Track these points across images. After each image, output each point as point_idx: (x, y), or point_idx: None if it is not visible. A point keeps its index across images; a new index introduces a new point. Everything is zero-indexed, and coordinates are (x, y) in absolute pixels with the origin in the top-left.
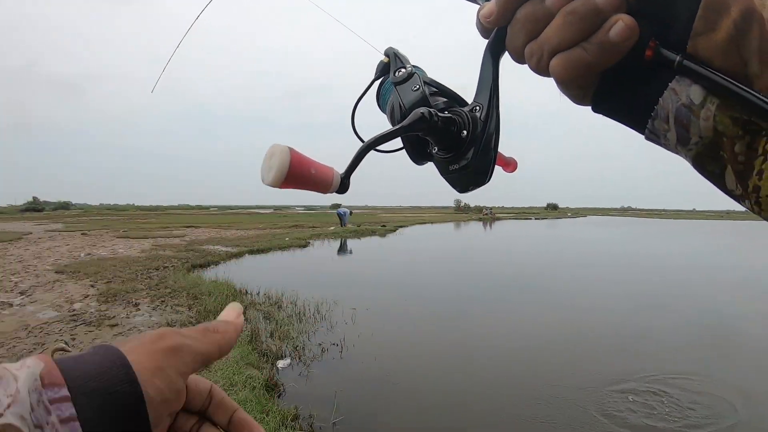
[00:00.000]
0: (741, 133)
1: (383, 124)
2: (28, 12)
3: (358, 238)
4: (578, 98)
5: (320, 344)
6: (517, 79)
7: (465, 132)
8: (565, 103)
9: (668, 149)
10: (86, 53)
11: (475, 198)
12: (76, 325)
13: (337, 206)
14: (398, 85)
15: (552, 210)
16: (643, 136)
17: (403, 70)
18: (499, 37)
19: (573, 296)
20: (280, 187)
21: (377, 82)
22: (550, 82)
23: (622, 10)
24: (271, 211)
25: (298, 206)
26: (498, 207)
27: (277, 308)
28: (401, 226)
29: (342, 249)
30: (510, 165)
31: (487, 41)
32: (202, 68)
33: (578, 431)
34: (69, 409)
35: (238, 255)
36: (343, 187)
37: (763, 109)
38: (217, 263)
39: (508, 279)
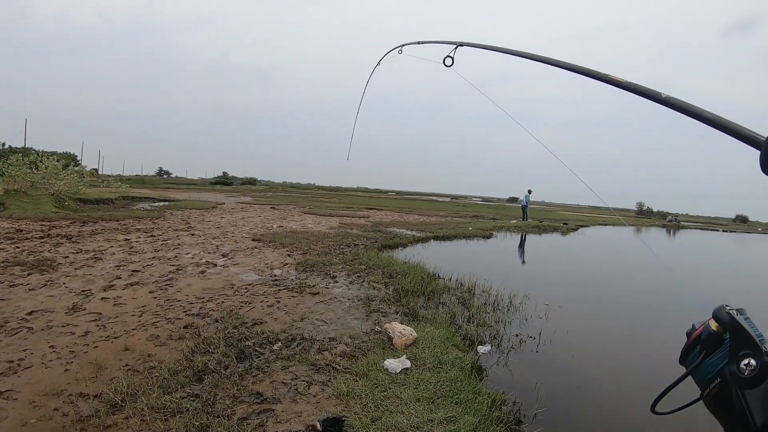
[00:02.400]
0: None
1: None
2: (219, 6)
3: (539, 234)
4: None
5: (517, 335)
6: (717, 75)
7: None
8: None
9: None
10: (275, 45)
11: (658, 202)
12: (279, 290)
13: (514, 200)
14: (745, 387)
15: (741, 223)
16: None
17: (751, 361)
18: None
19: None
20: None
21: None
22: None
23: None
24: (449, 199)
25: (475, 196)
26: (682, 214)
27: (470, 295)
28: (582, 226)
29: (526, 243)
30: None
31: None
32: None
33: None
34: None
35: (424, 240)
36: None
37: None
38: (405, 245)
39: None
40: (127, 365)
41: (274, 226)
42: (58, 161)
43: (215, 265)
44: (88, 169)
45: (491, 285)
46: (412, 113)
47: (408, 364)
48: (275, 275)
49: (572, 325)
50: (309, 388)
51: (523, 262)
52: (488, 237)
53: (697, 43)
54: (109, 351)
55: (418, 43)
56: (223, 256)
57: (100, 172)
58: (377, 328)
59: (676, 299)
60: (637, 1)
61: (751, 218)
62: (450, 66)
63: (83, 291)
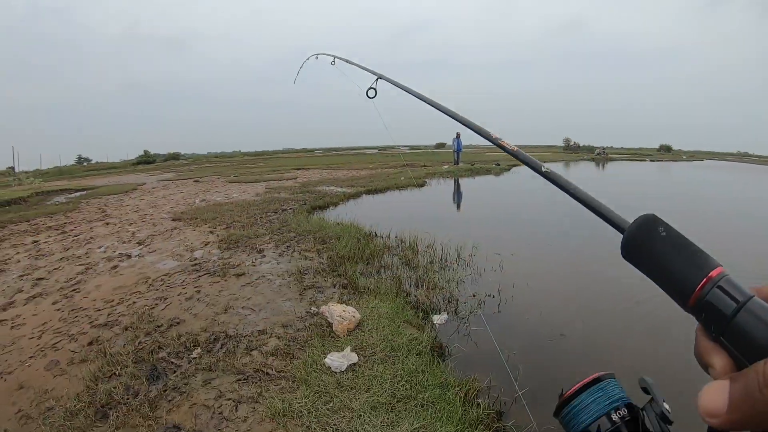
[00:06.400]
0: None
1: None
2: None
3: (473, 177)
4: None
5: (474, 295)
6: (631, 9)
7: None
8: (682, 39)
9: None
10: (186, 11)
11: (584, 137)
12: (199, 276)
13: (441, 145)
14: None
15: (666, 152)
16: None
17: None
18: None
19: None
20: None
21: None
22: (666, 13)
23: None
24: (377, 151)
25: (403, 146)
26: (608, 147)
27: (413, 253)
28: (514, 165)
29: (462, 188)
30: None
31: None
32: (305, 13)
33: None
34: None
35: (356, 195)
36: None
37: None
38: (336, 204)
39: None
40: (20, 410)
41: (197, 201)
42: None
43: (129, 256)
44: (3, 168)
45: (434, 238)
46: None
47: (354, 358)
48: (195, 258)
49: (530, 275)
50: (237, 410)
51: (462, 208)
52: (422, 185)
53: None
54: (1, 394)
55: (346, 61)
56: (139, 243)
57: (16, 170)
58: (313, 309)
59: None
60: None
61: (674, 147)
62: (373, 98)
63: None
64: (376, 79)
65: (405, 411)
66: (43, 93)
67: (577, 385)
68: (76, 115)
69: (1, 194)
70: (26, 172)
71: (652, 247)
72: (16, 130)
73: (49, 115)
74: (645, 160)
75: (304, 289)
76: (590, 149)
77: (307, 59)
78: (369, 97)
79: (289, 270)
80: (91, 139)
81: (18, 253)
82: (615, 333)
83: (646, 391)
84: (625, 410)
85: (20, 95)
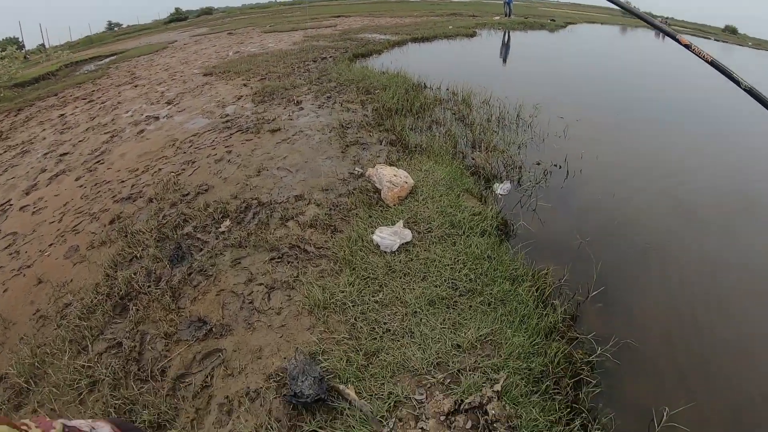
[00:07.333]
0: None
1: None
2: None
3: (525, 31)
4: None
5: (539, 163)
6: None
7: None
8: None
9: None
10: None
11: (644, 3)
12: (231, 134)
13: None
14: None
15: (731, 34)
16: None
17: None
18: None
19: None
20: None
21: None
22: None
23: None
24: None
25: None
26: (670, 17)
27: (467, 108)
28: (570, 23)
29: (515, 42)
30: None
31: None
32: None
33: None
34: None
35: (401, 43)
36: None
37: None
38: (380, 52)
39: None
40: (37, 311)
41: (230, 54)
42: None
43: (157, 118)
44: (33, 47)
45: (490, 94)
46: None
47: (408, 235)
48: (227, 114)
49: (599, 146)
50: (269, 299)
51: (517, 64)
52: (472, 36)
53: None
54: (19, 291)
55: None
56: (168, 103)
57: (47, 46)
58: (357, 170)
59: (716, 102)
60: None
61: (740, 31)
62: None
63: (1, 205)
64: None
65: (469, 309)
66: None
67: None
68: None
69: (29, 73)
70: (55, 47)
71: None
72: (41, 8)
73: None
74: (709, 39)
75: (347, 145)
76: (651, 16)
77: None
78: None
79: (330, 124)
80: (121, 4)
81: (44, 129)
82: (695, 219)
83: None
84: None
85: None
